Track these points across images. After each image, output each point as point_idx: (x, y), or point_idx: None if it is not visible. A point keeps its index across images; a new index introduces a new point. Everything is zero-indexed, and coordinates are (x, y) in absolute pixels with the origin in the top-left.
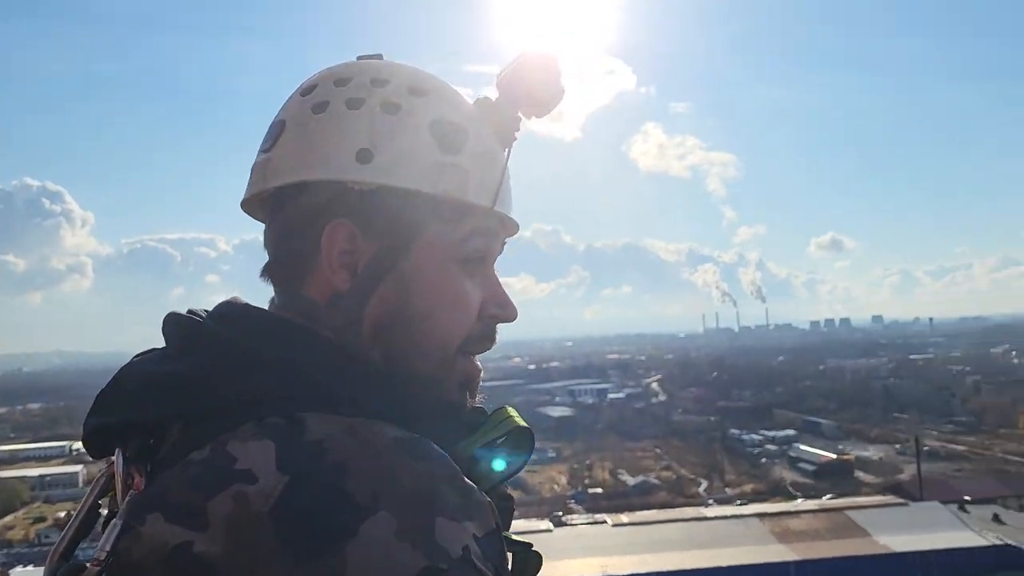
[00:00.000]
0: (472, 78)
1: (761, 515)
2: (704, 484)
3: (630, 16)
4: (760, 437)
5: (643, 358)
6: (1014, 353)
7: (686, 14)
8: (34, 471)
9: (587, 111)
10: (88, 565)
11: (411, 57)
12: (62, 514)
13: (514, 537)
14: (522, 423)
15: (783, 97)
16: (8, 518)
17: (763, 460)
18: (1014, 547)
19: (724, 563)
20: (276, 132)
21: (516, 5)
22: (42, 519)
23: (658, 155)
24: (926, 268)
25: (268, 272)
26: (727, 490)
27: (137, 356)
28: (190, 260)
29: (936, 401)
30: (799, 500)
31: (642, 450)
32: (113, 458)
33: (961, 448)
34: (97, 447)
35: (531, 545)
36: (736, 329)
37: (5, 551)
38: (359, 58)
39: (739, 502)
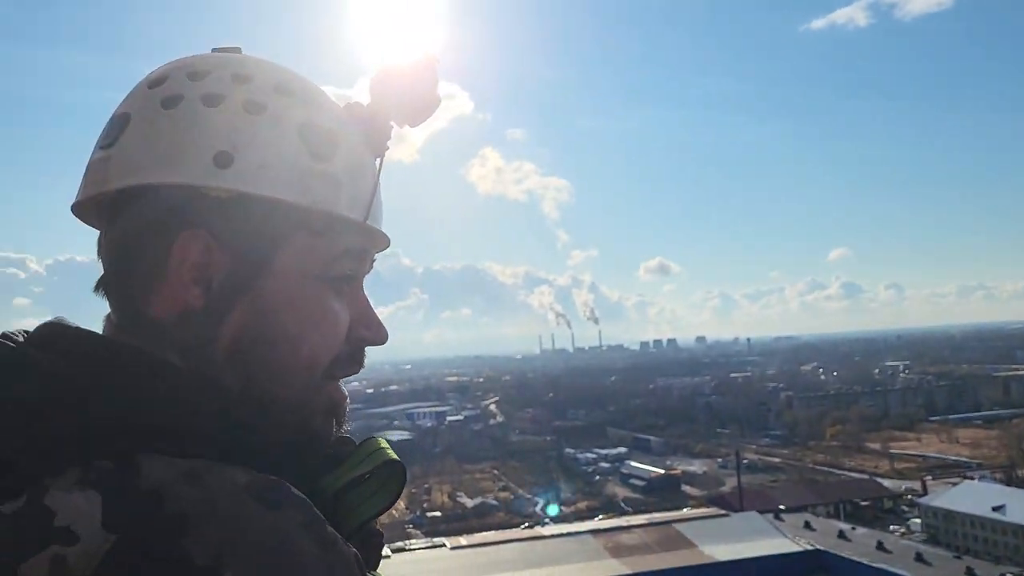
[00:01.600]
0: None
1: (595, 531)
2: (541, 503)
3: (466, 42)
4: (594, 455)
5: (481, 380)
6: (821, 370)
7: (521, 44)
8: None
9: (426, 134)
10: None
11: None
12: None
13: None
14: (393, 456)
15: (613, 127)
16: None
17: (597, 477)
18: (823, 551)
19: None
20: (119, 127)
21: (348, 27)
22: None
23: (496, 179)
24: (743, 291)
25: (104, 286)
26: (563, 508)
27: None
28: None
29: (754, 416)
30: (631, 515)
31: (480, 472)
32: None
33: (776, 460)
34: None
35: None
36: (571, 350)
37: None
38: (214, 50)
39: (543, 520)
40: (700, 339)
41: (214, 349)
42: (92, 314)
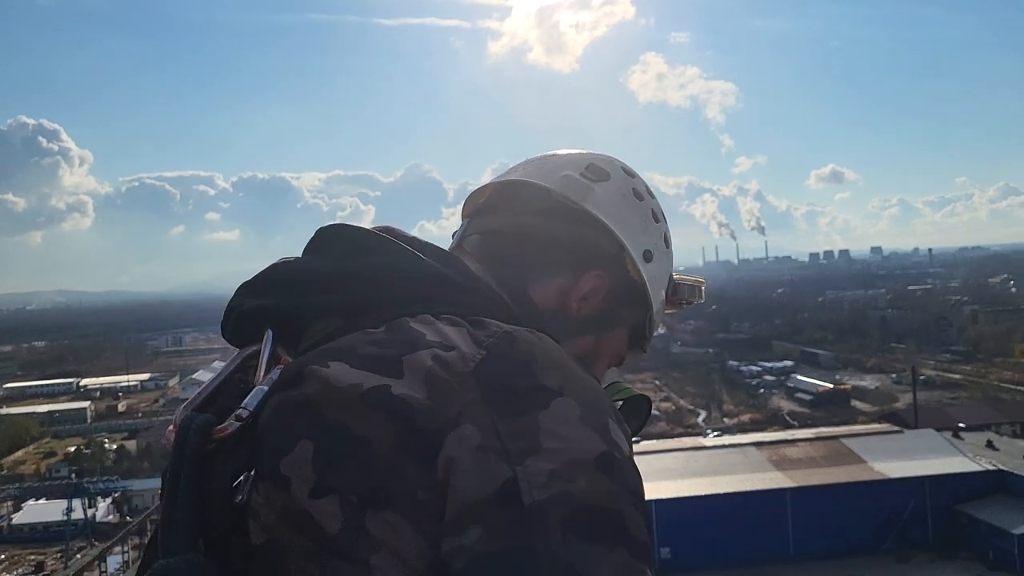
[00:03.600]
0: (466, 9)
1: (759, 444)
2: (703, 414)
3: None
4: (758, 368)
5: None
6: (1012, 283)
7: None
8: (42, 407)
9: (585, 43)
10: (228, 419)
11: None
12: (72, 448)
13: None
14: (638, 392)
15: (784, 27)
16: (19, 453)
17: (761, 390)
18: (1006, 472)
19: (722, 490)
20: (599, 175)
21: None
22: (52, 454)
23: (657, 86)
24: (925, 199)
25: (491, 240)
26: (725, 420)
27: (285, 259)
28: (189, 198)
29: (933, 331)
30: (796, 429)
31: (641, 382)
32: (241, 348)
33: (957, 377)
34: (241, 331)
35: None
36: (735, 262)
37: (17, 485)
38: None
39: (716, 433)
40: (875, 250)
41: None
42: (273, 224)
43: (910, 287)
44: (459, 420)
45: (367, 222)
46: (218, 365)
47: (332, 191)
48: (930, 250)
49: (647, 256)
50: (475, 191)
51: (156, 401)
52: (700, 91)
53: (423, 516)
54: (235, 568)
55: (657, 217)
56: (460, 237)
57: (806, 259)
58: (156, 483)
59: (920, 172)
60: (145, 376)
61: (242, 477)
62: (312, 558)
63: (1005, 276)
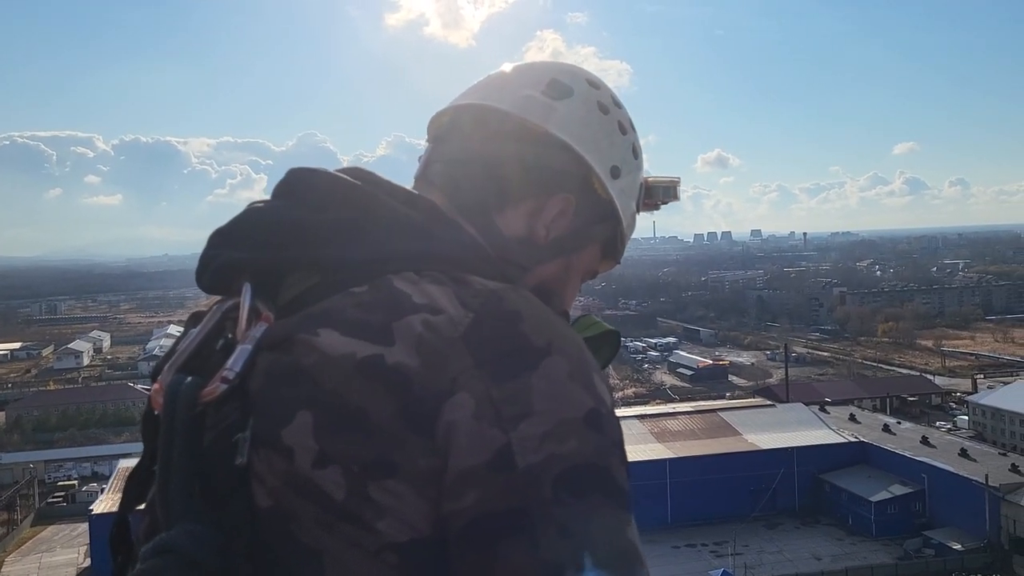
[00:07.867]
0: None
1: (642, 416)
2: None
3: None
4: (643, 344)
5: None
6: (877, 267)
7: None
8: None
9: (482, 18)
10: (214, 381)
11: None
12: None
13: None
14: (608, 327)
15: (676, 13)
16: None
17: (646, 365)
18: (866, 443)
19: None
20: (562, 92)
21: None
22: None
23: None
24: (802, 185)
25: (452, 170)
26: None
27: (256, 203)
28: (67, 159)
29: (805, 310)
30: (677, 403)
31: None
32: (218, 299)
33: (825, 354)
34: (218, 282)
35: None
36: None
37: None
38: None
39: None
40: (755, 233)
41: (523, 278)
42: (158, 189)
43: (786, 269)
44: (454, 388)
45: (260, 191)
46: (97, 335)
47: (221, 158)
48: (805, 234)
49: (614, 172)
50: (436, 114)
51: (28, 372)
52: (595, 70)
53: (425, 483)
54: (238, 529)
55: (624, 129)
56: (424, 165)
57: (691, 240)
58: (27, 456)
59: (798, 160)
60: (16, 345)
61: (239, 436)
62: (320, 523)
63: (871, 260)
